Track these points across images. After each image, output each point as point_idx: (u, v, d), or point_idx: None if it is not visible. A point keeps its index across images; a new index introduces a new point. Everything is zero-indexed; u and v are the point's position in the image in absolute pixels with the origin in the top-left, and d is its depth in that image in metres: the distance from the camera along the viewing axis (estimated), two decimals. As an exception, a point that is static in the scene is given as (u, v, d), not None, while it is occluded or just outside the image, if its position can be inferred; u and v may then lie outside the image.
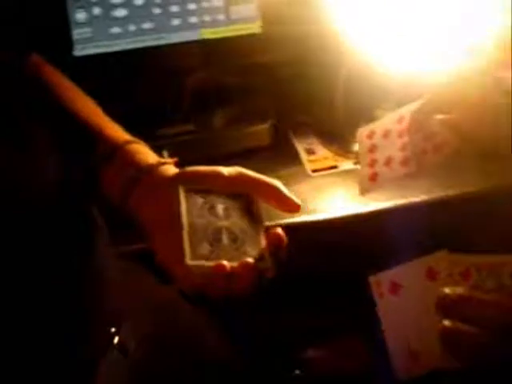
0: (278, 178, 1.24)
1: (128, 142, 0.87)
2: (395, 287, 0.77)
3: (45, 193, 0.83)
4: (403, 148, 0.93)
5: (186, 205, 0.79)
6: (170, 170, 0.84)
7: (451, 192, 1.19)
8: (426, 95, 0.92)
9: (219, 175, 0.81)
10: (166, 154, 0.87)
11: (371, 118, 1.27)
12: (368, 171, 0.93)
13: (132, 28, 1.26)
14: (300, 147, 1.34)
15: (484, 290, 0.70)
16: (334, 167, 1.29)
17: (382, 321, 0.78)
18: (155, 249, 0.79)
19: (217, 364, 1.04)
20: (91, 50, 1.25)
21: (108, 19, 1.25)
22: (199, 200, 0.80)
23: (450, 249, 0.74)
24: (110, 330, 0.93)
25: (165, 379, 0.98)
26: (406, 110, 0.93)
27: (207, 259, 0.75)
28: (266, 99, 1.36)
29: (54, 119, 0.90)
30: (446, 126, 0.93)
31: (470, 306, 0.68)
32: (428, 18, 1.07)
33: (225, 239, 0.78)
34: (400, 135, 0.93)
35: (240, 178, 0.82)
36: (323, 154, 1.33)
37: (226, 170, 0.82)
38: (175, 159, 0.85)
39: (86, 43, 1.25)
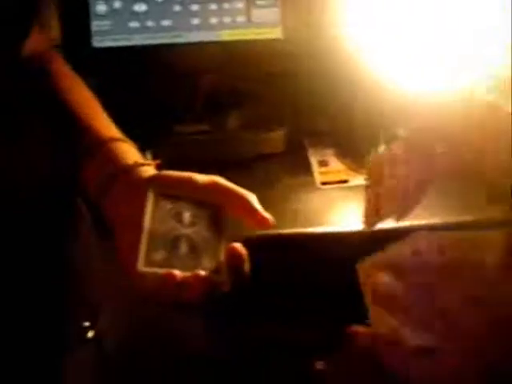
0: (286, 186, 1.26)
1: (113, 140, 0.87)
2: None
3: (35, 182, 0.83)
4: (406, 177, 0.91)
5: (152, 209, 0.78)
6: (148, 171, 0.83)
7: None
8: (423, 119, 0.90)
9: (193, 182, 0.81)
10: (149, 155, 0.87)
11: (391, 135, 1.26)
12: (373, 205, 0.91)
13: (151, 24, 1.25)
14: (313, 158, 1.32)
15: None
16: (345, 181, 1.27)
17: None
18: (118, 249, 0.79)
19: (198, 361, 1.03)
20: (109, 43, 1.25)
21: (128, 13, 1.25)
22: (167, 205, 0.80)
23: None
24: (83, 324, 0.93)
25: (141, 376, 0.98)
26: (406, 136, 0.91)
27: (160, 266, 0.75)
28: (283, 105, 1.34)
29: (47, 107, 0.90)
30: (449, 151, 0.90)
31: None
32: (445, 38, 1.05)
33: (183, 248, 0.77)
34: (402, 163, 0.91)
35: (214, 186, 0.81)
36: (336, 166, 1.30)
37: (201, 178, 0.81)
38: (157, 161, 0.85)
39: (105, 36, 1.25)
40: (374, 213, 0.92)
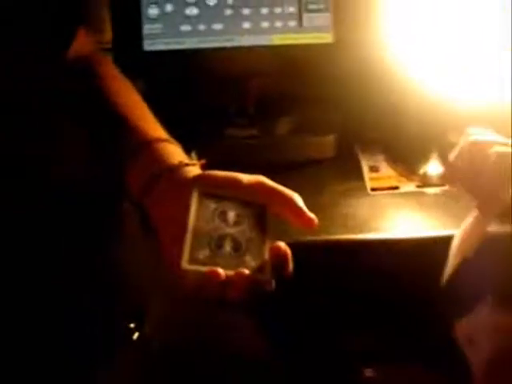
0: (335, 192, 1.24)
1: (159, 140, 0.87)
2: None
3: (79, 184, 0.84)
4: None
5: (196, 208, 0.79)
6: (193, 171, 0.84)
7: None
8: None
9: (238, 182, 0.81)
10: (194, 155, 0.86)
11: (443, 142, 1.24)
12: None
13: (202, 27, 1.25)
14: (364, 163, 1.30)
15: None
16: (396, 188, 1.25)
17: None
18: (162, 248, 0.79)
19: (247, 364, 1.03)
20: (160, 47, 1.25)
21: (179, 17, 1.25)
22: (212, 205, 0.80)
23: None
24: (129, 326, 0.93)
25: (188, 378, 0.98)
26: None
27: (204, 264, 0.75)
28: (334, 111, 1.33)
29: (93, 108, 0.91)
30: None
31: None
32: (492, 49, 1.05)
33: (227, 247, 0.77)
34: None
35: (259, 186, 0.81)
36: (387, 172, 1.29)
37: (246, 178, 0.81)
38: (202, 161, 0.85)
39: (156, 39, 1.25)
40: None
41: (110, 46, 1.24)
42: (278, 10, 1.26)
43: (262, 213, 0.81)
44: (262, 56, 1.28)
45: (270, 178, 0.84)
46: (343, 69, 1.26)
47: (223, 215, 0.80)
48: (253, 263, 0.76)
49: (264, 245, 0.79)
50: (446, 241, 1.01)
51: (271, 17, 1.26)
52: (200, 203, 0.79)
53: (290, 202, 0.80)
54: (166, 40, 1.25)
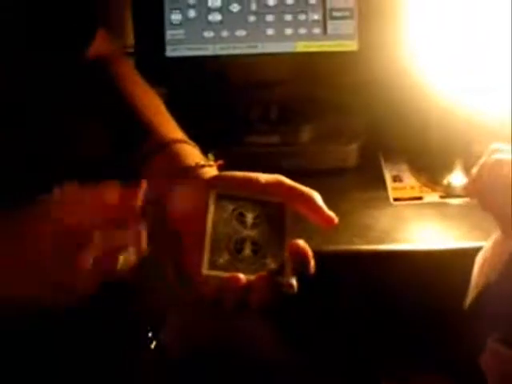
0: (358, 201, 1.23)
1: (176, 141, 0.86)
2: None
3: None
4: None
5: (214, 211, 0.78)
6: (210, 173, 0.83)
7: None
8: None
9: (256, 181, 0.80)
10: (211, 156, 0.86)
11: (468, 152, 1.23)
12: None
13: (225, 34, 1.25)
14: (387, 172, 1.29)
15: None
16: (419, 198, 1.24)
17: None
18: (180, 250, 0.78)
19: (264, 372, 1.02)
20: (183, 52, 1.25)
21: (202, 23, 1.24)
22: (229, 206, 0.79)
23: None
24: (147, 334, 0.92)
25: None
26: None
27: (224, 270, 0.74)
28: (357, 119, 1.32)
29: (110, 109, 0.91)
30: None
31: None
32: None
33: (247, 250, 0.77)
34: None
35: (277, 185, 0.80)
36: (410, 182, 1.27)
37: (264, 177, 0.80)
38: (219, 162, 0.84)
39: (179, 45, 1.24)
40: None
41: (132, 50, 1.24)
42: (302, 17, 1.25)
43: (281, 212, 0.80)
44: (285, 63, 1.27)
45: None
46: (367, 77, 1.25)
47: (241, 217, 0.79)
48: (273, 265, 0.76)
49: (284, 245, 0.78)
50: (470, 253, 1.00)
51: (295, 24, 1.25)
52: (217, 205, 0.79)
53: (310, 200, 0.79)
54: (189, 46, 1.25)
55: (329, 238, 1.12)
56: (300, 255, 0.76)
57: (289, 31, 1.25)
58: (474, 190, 0.91)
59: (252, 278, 0.74)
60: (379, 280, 1.18)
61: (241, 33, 1.25)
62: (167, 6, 1.24)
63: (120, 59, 1.00)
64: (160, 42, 1.24)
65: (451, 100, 1.17)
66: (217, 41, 1.25)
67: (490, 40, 1.11)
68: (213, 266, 0.74)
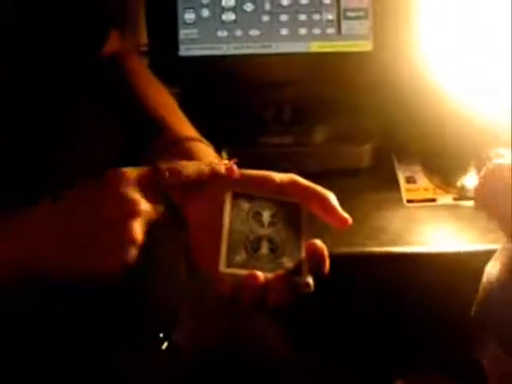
0: (371, 202, 1.23)
1: (189, 139, 0.86)
2: None
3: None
4: None
5: (230, 210, 0.77)
6: None
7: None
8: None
9: (271, 180, 0.79)
10: (224, 154, 0.85)
11: (482, 155, 1.22)
12: None
13: (239, 33, 1.24)
14: (401, 174, 1.29)
15: None
16: (432, 200, 1.24)
17: None
18: (194, 247, 0.78)
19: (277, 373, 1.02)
20: (196, 52, 1.24)
21: (216, 22, 1.24)
22: (246, 205, 0.78)
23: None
24: (159, 335, 0.92)
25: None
26: None
27: (241, 268, 0.74)
28: (371, 120, 1.31)
29: (123, 106, 0.90)
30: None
31: None
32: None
33: (264, 249, 0.76)
34: None
35: (292, 184, 0.79)
36: (424, 184, 1.27)
37: (279, 176, 0.79)
38: (233, 161, 0.83)
39: (192, 44, 1.24)
40: None
41: (145, 49, 1.24)
42: (316, 17, 1.24)
43: (297, 211, 0.80)
44: (298, 63, 1.26)
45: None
46: (381, 77, 1.24)
47: (258, 216, 0.78)
48: (290, 264, 0.76)
49: (300, 244, 0.77)
50: (483, 255, 0.99)
51: (309, 23, 1.24)
52: (234, 204, 0.78)
53: (324, 200, 0.78)
54: (202, 45, 1.24)
55: (341, 240, 1.12)
56: (317, 255, 0.75)
57: (303, 31, 1.25)
58: (478, 195, 0.91)
59: (270, 276, 0.74)
60: (391, 282, 1.17)
61: (254, 32, 1.25)
62: (181, 5, 1.24)
63: (133, 58, 1.00)
64: (173, 41, 1.24)
65: (466, 101, 1.17)
66: (230, 40, 1.24)
67: (505, 40, 1.10)
68: (230, 263, 0.74)
